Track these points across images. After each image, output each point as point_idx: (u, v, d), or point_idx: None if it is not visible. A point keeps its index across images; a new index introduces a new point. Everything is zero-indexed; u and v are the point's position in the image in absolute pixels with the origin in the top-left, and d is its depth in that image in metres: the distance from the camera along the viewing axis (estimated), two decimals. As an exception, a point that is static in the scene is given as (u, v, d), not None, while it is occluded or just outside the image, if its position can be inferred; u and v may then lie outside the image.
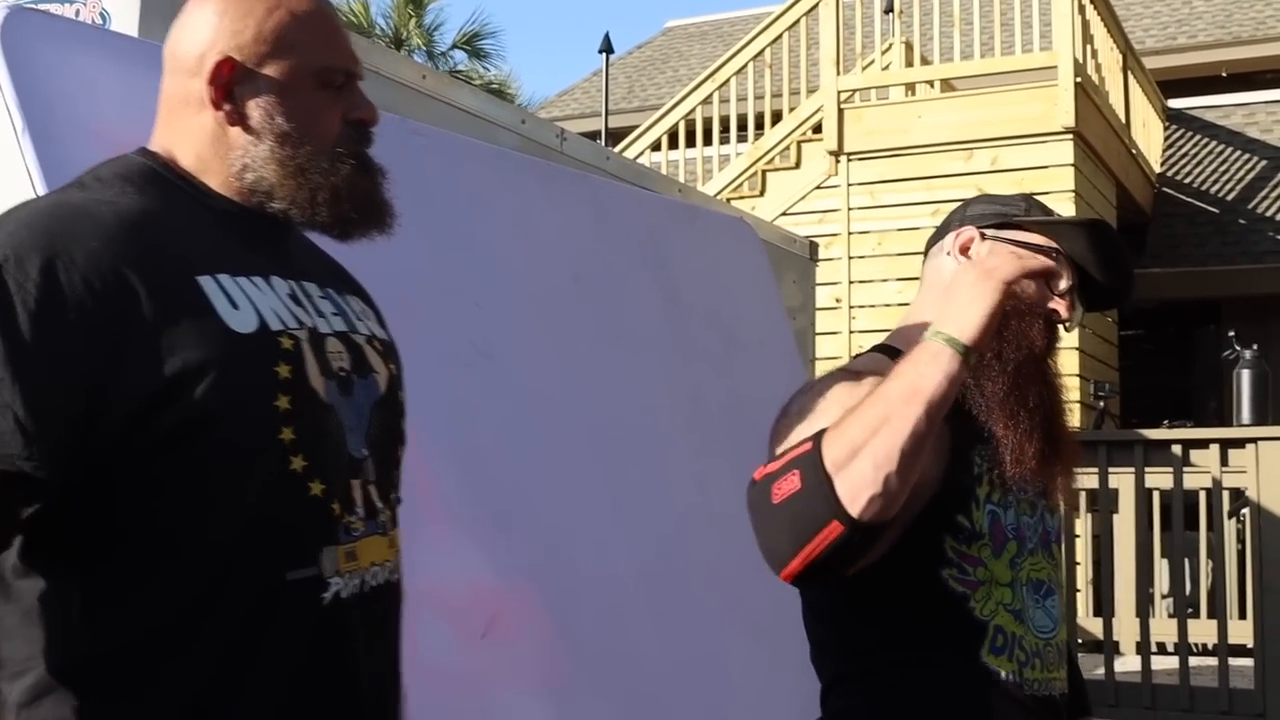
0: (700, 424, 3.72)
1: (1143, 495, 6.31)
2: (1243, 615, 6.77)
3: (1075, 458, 2.06)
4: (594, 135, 11.96)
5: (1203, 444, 6.20)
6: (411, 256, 3.02)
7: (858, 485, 1.70)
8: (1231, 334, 9.33)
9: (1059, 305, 2.04)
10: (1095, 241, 2.07)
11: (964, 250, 2.08)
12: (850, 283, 10.01)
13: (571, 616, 3.01)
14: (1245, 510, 6.61)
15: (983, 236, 2.09)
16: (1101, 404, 9.48)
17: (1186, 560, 6.96)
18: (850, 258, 10.03)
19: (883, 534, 1.76)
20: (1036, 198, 2.20)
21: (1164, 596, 8.32)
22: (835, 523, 1.70)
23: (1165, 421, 8.66)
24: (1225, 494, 6.66)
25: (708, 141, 10.95)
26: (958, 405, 1.85)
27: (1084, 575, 8.02)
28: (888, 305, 9.76)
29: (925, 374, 1.74)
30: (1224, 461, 6.11)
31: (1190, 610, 7.88)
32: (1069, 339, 6.23)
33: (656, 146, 11.19)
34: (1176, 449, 6.19)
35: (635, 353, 3.61)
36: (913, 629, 1.96)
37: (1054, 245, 2.06)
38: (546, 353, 3.30)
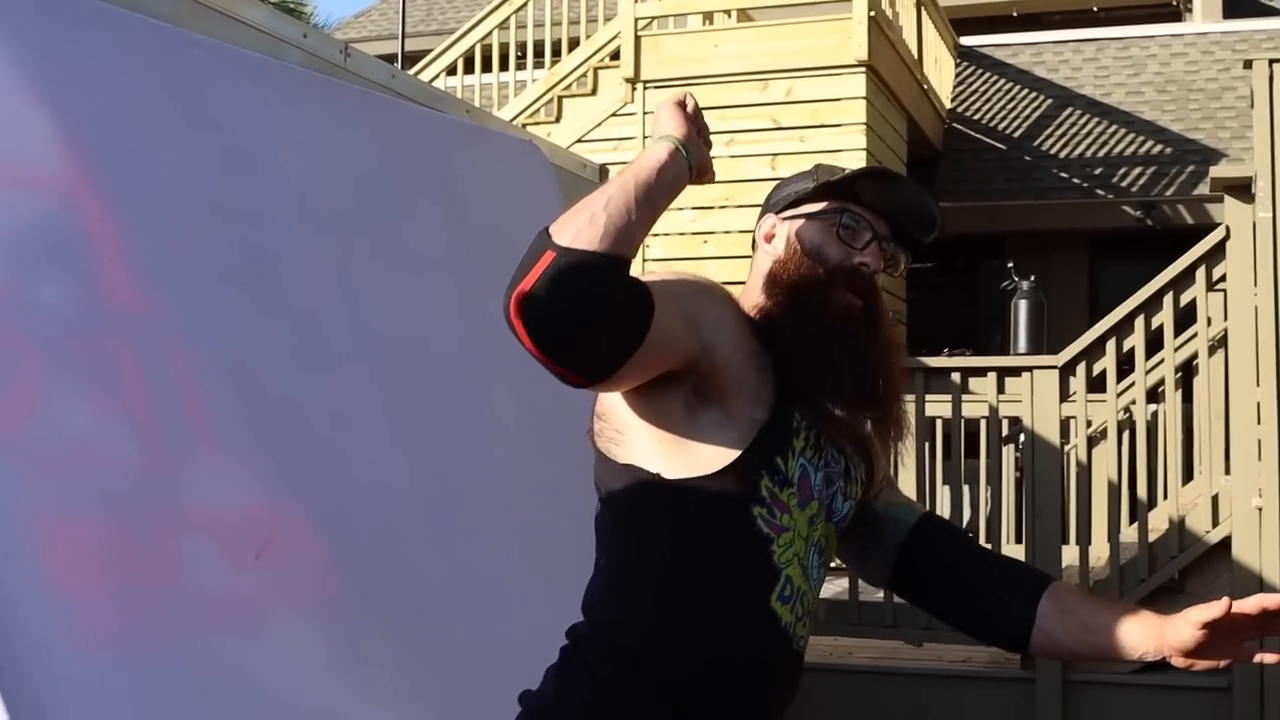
0: (482, 346, 3.67)
1: (924, 423, 6.46)
2: (1019, 540, 6.98)
3: (897, 423, 2.16)
4: (390, 58, 11.76)
5: (980, 372, 6.37)
6: (188, 170, 2.94)
7: (568, 221, 1.81)
8: (1010, 265, 9.57)
9: (866, 258, 2.12)
10: (887, 186, 2.16)
11: (768, 239, 2.19)
12: (645, 211, 10.00)
13: (348, 538, 2.96)
14: (1021, 437, 6.81)
15: (781, 220, 2.19)
16: (885, 329, 9.64)
17: (966, 487, 7.15)
18: (646, 186, 10.01)
19: (607, 318, 1.80)
20: (826, 162, 2.29)
21: (944, 521, 8.52)
22: (548, 251, 1.78)
23: (945, 350, 8.85)
24: (1003, 422, 6.84)
25: (504, 67, 10.86)
26: (782, 366, 2.02)
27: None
28: (682, 234, 9.80)
29: (641, 158, 1.93)
30: (1001, 390, 6.28)
31: (969, 535, 8.10)
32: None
33: (452, 71, 11.06)
34: (955, 377, 6.34)
35: (417, 274, 3.56)
36: (711, 563, 2.01)
37: (846, 205, 2.14)
38: (325, 272, 3.23)
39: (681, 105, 2.00)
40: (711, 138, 2.06)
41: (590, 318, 1.78)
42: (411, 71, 8.93)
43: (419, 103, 4.15)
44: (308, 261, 3.19)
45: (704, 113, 2.03)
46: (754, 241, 2.24)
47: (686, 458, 2.01)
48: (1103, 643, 2.16)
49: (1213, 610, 2.00)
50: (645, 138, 10.14)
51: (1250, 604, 2.02)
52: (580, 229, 1.79)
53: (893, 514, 2.30)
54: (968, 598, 2.26)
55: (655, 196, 1.88)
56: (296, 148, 3.31)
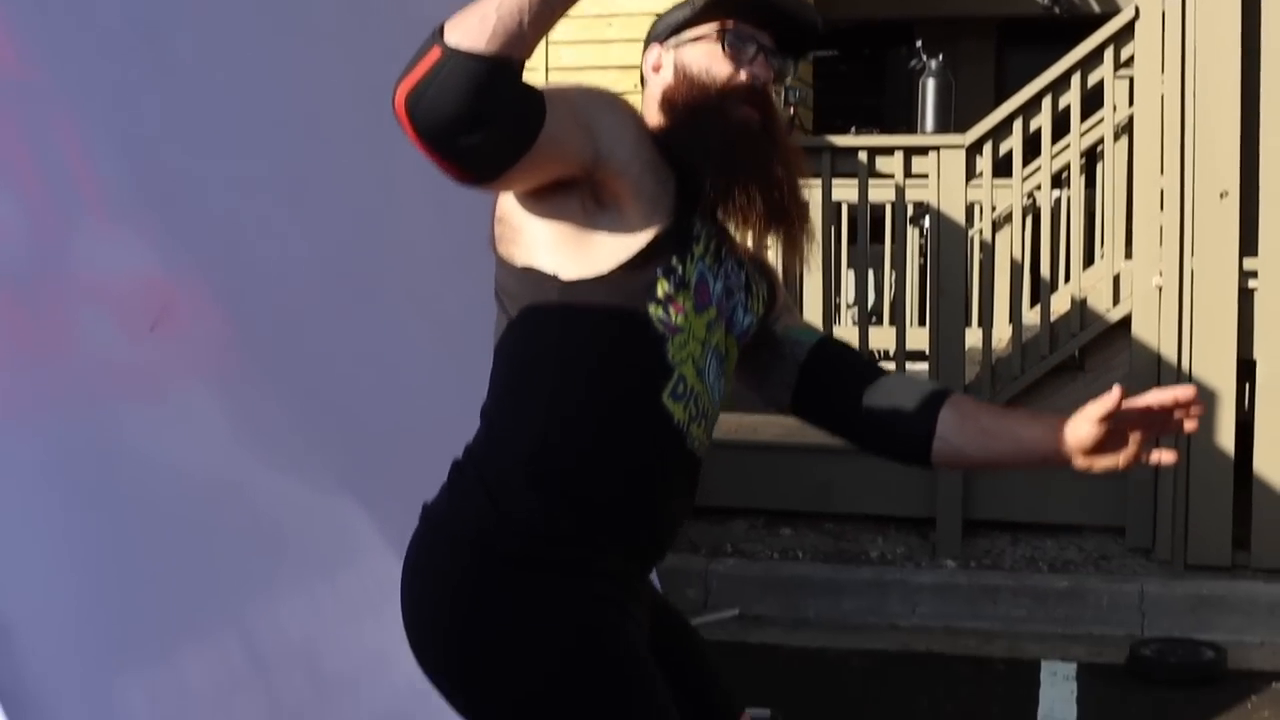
0: (379, 114, 3.58)
1: (830, 209, 6.45)
2: (923, 322, 7.04)
3: (799, 223, 2.17)
4: None
5: (888, 151, 6.35)
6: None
7: (460, 20, 1.78)
8: (919, 44, 9.50)
9: (756, 69, 2.15)
10: None
11: (656, 69, 2.20)
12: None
13: (246, 310, 2.92)
14: (926, 220, 6.84)
15: (666, 49, 2.19)
16: (790, 109, 9.56)
17: (871, 271, 7.18)
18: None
19: (496, 111, 1.80)
20: None
21: (849, 306, 8.60)
22: (435, 48, 1.77)
23: (853, 128, 8.79)
24: (909, 207, 6.85)
25: None
26: (684, 179, 2.06)
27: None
28: (584, 15, 9.59)
29: None
30: (908, 171, 6.27)
31: (873, 319, 8.18)
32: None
33: None
34: (863, 157, 6.32)
35: (308, 39, 3.45)
36: (604, 360, 2.05)
37: (727, 24, 2.16)
38: (217, 40, 3.12)
39: None
40: None
41: (473, 118, 1.78)
42: None
43: None
44: (198, 28, 3.08)
45: None
46: (642, 77, 2.25)
47: (583, 257, 2.03)
48: (1004, 448, 2.21)
49: (1107, 402, 2.04)
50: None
51: (1146, 399, 2.07)
52: (470, 28, 1.76)
53: (793, 335, 2.33)
54: (869, 414, 2.27)
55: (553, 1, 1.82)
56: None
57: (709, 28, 2.16)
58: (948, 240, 6.16)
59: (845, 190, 6.70)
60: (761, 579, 5.92)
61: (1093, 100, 6.29)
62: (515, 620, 2.01)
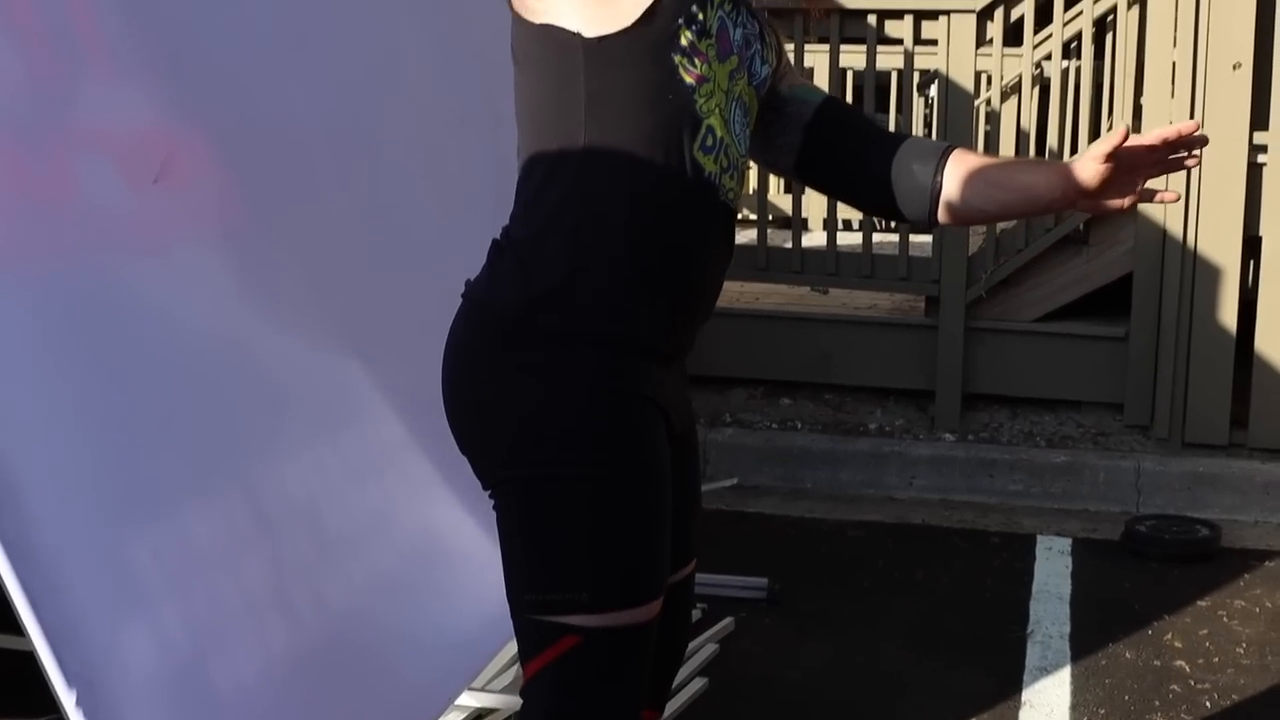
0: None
1: (837, 74, 6.34)
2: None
3: None
4: None
5: (897, 14, 6.24)
6: None
7: None
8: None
9: None
10: None
11: None
12: None
13: (249, 165, 2.86)
14: (933, 89, 6.74)
15: None
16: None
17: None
18: None
19: None
20: None
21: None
22: None
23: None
24: (916, 74, 6.74)
25: None
26: None
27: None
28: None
29: None
30: (917, 36, 6.17)
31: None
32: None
33: None
34: (871, 20, 6.20)
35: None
36: (632, 115, 2.03)
37: None
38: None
39: None
40: None
41: None
42: None
43: None
44: None
45: None
46: None
47: (606, 10, 1.99)
48: (1011, 198, 2.22)
49: (1113, 139, 2.05)
50: None
51: (1150, 136, 2.08)
52: None
53: (798, 94, 2.30)
54: (873, 174, 2.28)
55: None
56: None
57: None
58: (955, 109, 6.07)
59: (853, 58, 6.58)
60: (760, 449, 5.92)
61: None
62: (548, 396, 2.03)
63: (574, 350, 2.03)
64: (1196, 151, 2.12)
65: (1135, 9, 6.09)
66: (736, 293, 6.50)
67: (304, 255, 2.96)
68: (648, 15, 1.98)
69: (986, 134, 6.76)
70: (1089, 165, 2.08)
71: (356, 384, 3.04)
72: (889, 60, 6.65)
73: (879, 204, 2.32)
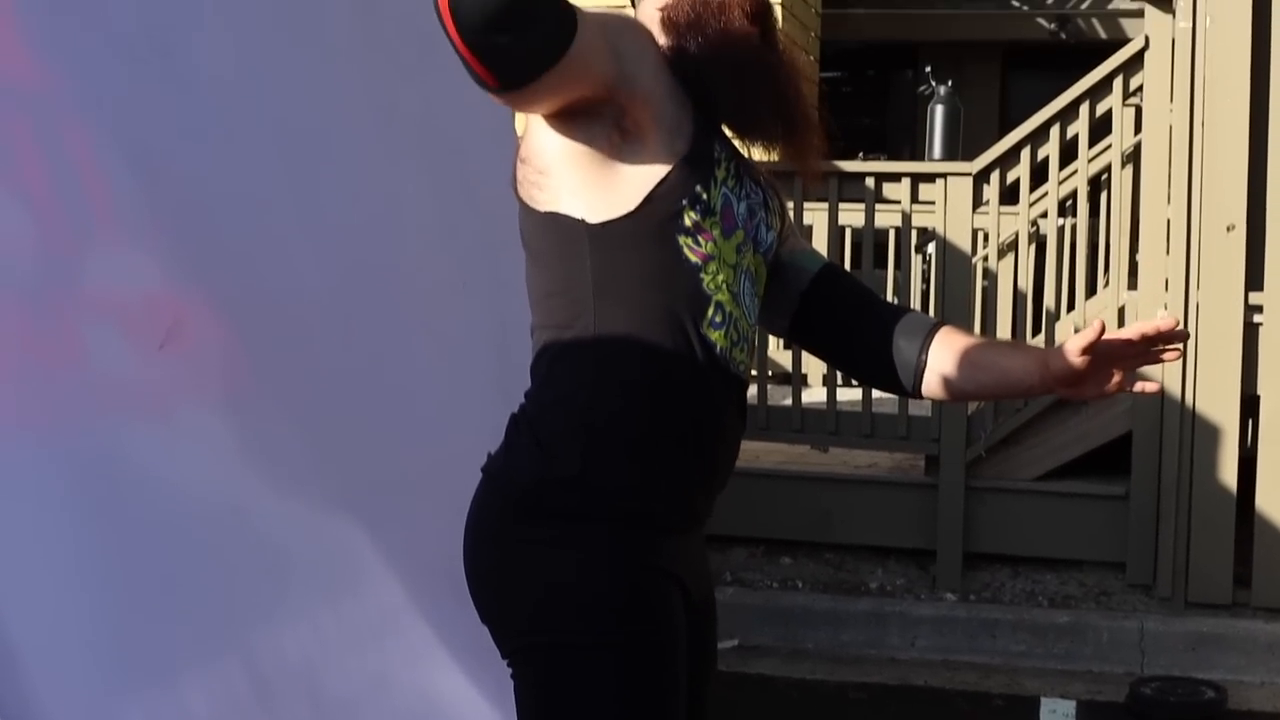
0: (391, 131, 3.55)
1: (835, 232, 6.42)
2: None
3: (812, 140, 2.22)
4: None
5: (895, 177, 6.32)
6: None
7: None
8: (928, 69, 9.49)
9: None
10: None
11: None
12: None
13: (254, 329, 2.87)
14: (930, 247, 6.81)
15: None
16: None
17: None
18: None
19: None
20: None
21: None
22: None
23: (860, 154, 8.80)
24: (914, 233, 6.82)
25: None
26: (700, 101, 2.07)
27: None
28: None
29: None
30: (914, 197, 6.24)
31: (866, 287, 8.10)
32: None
33: None
34: (870, 182, 6.28)
35: (323, 54, 3.40)
36: (640, 299, 2.05)
37: None
38: (230, 50, 3.08)
39: None
40: None
41: (513, 13, 1.78)
42: None
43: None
44: (212, 38, 3.03)
45: None
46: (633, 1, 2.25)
47: (609, 196, 2.03)
48: (990, 379, 2.24)
49: (1089, 335, 2.06)
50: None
51: (1128, 331, 2.11)
52: None
53: (797, 261, 2.32)
54: (863, 344, 2.31)
55: None
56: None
57: None
58: (953, 267, 6.14)
59: (852, 215, 6.67)
60: (761, 608, 5.88)
61: (1100, 127, 6.26)
62: (566, 568, 2.03)
63: (590, 525, 2.03)
64: (1178, 345, 2.13)
65: (1129, 168, 6.18)
66: (736, 450, 6.49)
67: (306, 419, 2.96)
68: (650, 198, 2.01)
69: (984, 290, 6.81)
70: (1066, 359, 2.09)
71: (358, 548, 3.03)
72: (887, 218, 6.73)
73: (868, 374, 2.37)
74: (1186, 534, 5.66)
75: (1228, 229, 5.60)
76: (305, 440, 2.93)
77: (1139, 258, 6.01)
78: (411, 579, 3.09)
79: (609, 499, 2.04)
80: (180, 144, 2.84)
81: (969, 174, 6.09)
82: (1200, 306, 5.63)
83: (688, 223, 2.04)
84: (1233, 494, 5.63)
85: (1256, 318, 5.64)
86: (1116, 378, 2.13)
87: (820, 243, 6.22)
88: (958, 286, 6.12)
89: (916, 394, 2.28)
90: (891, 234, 7.49)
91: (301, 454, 2.91)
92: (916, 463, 6.44)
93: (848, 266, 7.86)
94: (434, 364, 3.47)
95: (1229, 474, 5.63)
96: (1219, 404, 5.63)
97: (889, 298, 8.52)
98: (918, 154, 10.33)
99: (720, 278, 2.07)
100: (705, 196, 2.05)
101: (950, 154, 8.76)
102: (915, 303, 7.94)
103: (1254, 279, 5.64)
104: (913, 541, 6.16)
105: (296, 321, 3.03)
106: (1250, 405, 5.70)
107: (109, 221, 2.60)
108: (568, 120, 2.01)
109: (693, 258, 2.05)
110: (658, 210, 2.02)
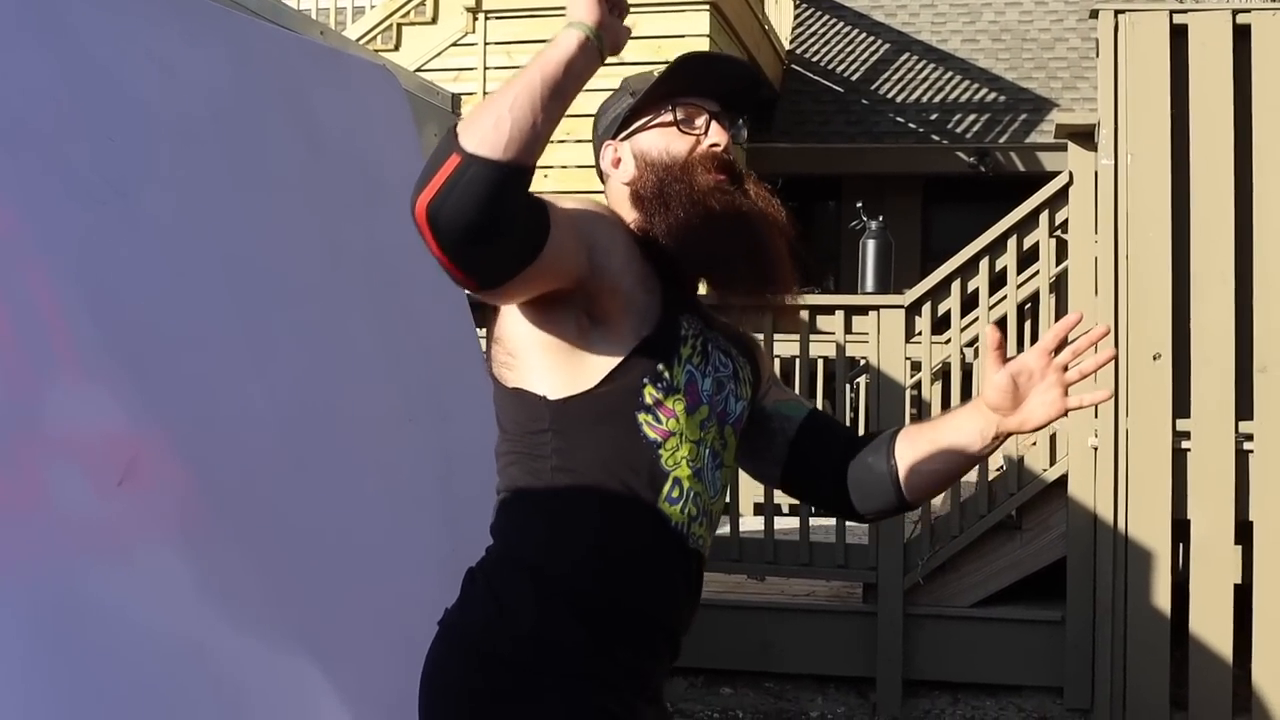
0: (339, 272, 3.60)
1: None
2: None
3: (789, 279, 2.25)
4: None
5: (829, 310, 6.42)
6: (40, 86, 2.80)
7: (474, 122, 1.81)
8: (859, 205, 9.67)
9: (713, 137, 2.20)
10: (701, 66, 2.21)
11: (615, 164, 2.25)
12: (487, 145, 9.87)
13: (211, 467, 2.87)
14: (863, 378, 6.90)
15: (620, 142, 2.25)
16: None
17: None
18: (487, 119, 9.89)
19: (512, 222, 1.84)
20: (634, 73, 2.34)
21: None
22: (454, 155, 1.79)
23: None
24: (847, 362, 6.92)
25: (342, -9, 10.59)
26: (671, 274, 2.11)
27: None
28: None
29: (549, 50, 1.89)
30: (848, 329, 6.34)
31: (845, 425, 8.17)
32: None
33: (289, -5, 10.77)
34: (804, 314, 6.38)
35: (273, 196, 3.45)
36: (598, 473, 2.07)
37: (672, 101, 2.21)
38: (184, 193, 3.12)
39: None
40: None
41: (491, 225, 1.80)
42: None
43: (271, 21, 4.01)
44: (166, 181, 3.08)
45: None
46: (601, 175, 2.28)
47: (572, 376, 2.06)
48: (954, 457, 2.24)
49: (990, 345, 2.13)
50: (487, 69, 10.02)
51: (1046, 338, 2.15)
52: (485, 133, 1.79)
53: (782, 410, 2.35)
54: (849, 483, 2.32)
55: (564, 92, 1.86)
56: (151, 62, 3.18)
57: (654, 110, 2.22)
58: (886, 397, 6.22)
59: (787, 345, 6.75)
60: (702, 738, 5.85)
61: (1029, 255, 6.41)
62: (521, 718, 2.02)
63: (543, 679, 2.04)
64: (1111, 349, 2.19)
65: (1053, 296, 6.32)
66: (674, 579, 6.49)
67: (262, 556, 2.95)
68: (609, 377, 2.07)
69: (912, 416, 6.90)
70: (991, 393, 2.13)
71: (313, 686, 3.01)
72: (821, 348, 6.81)
73: (862, 509, 2.35)
74: (1123, 658, 5.71)
75: (1154, 357, 5.72)
76: (262, 577, 2.93)
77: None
78: (366, 717, 3.06)
79: (563, 655, 2.05)
80: (135, 285, 2.86)
81: (901, 306, 6.20)
82: (1129, 433, 5.73)
83: (648, 400, 2.08)
84: (1167, 617, 5.69)
85: (1184, 444, 5.74)
86: (1059, 401, 2.13)
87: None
88: (890, 415, 6.19)
89: (910, 504, 2.31)
90: (820, 363, 7.59)
91: (258, 590, 2.90)
92: (854, 590, 6.47)
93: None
94: (381, 498, 3.48)
95: (1162, 598, 5.70)
96: (1150, 529, 5.71)
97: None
98: (843, 283, 10.48)
99: (681, 454, 2.10)
100: (668, 375, 2.09)
101: (882, 286, 8.91)
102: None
103: (1180, 406, 5.75)
104: (852, 669, 6.18)
105: (252, 457, 3.04)
106: (1181, 529, 5.79)
107: (70, 364, 2.61)
108: (538, 308, 2.06)
109: (652, 434, 2.08)
110: (617, 388, 2.07)
